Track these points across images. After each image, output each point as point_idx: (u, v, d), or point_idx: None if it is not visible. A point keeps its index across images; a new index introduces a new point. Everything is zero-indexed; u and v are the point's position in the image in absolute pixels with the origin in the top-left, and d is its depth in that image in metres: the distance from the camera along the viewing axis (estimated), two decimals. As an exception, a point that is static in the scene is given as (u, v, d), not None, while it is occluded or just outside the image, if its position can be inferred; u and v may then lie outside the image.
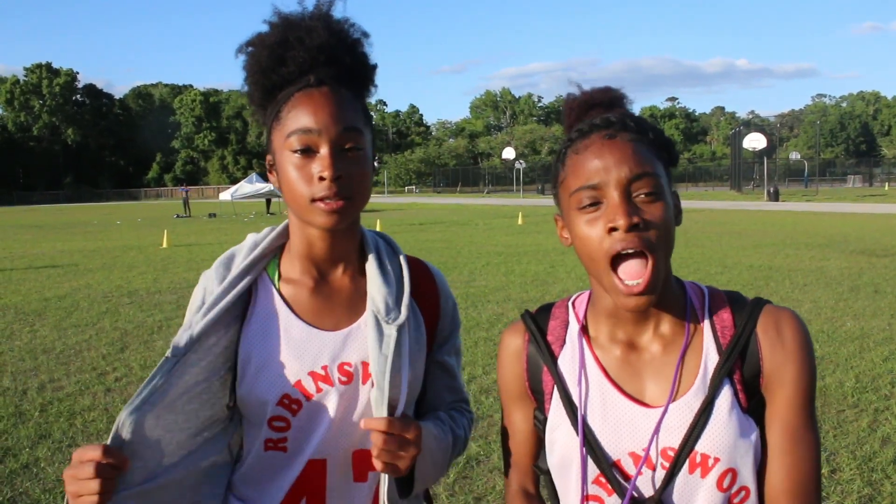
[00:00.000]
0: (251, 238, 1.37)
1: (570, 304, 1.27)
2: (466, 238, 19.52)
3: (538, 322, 1.26)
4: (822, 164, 77.63)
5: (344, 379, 1.27)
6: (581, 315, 1.24)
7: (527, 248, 15.73)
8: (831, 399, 5.17)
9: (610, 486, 1.13)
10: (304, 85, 1.22)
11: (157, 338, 7.62)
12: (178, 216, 37.40)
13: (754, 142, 45.12)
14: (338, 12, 1.27)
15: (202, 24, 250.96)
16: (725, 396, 1.10)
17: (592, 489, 1.15)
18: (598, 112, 1.19)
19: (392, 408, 1.22)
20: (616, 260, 1.06)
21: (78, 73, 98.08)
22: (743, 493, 1.11)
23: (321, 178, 1.18)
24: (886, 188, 56.60)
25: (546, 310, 1.29)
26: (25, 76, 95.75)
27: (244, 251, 1.34)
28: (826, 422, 4.73)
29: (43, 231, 27.78)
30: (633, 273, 1.06)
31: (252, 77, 1.27)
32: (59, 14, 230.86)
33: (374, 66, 1.31)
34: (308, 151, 1.19)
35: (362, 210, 1.28)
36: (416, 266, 1.42)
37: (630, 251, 1.05)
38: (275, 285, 1.32)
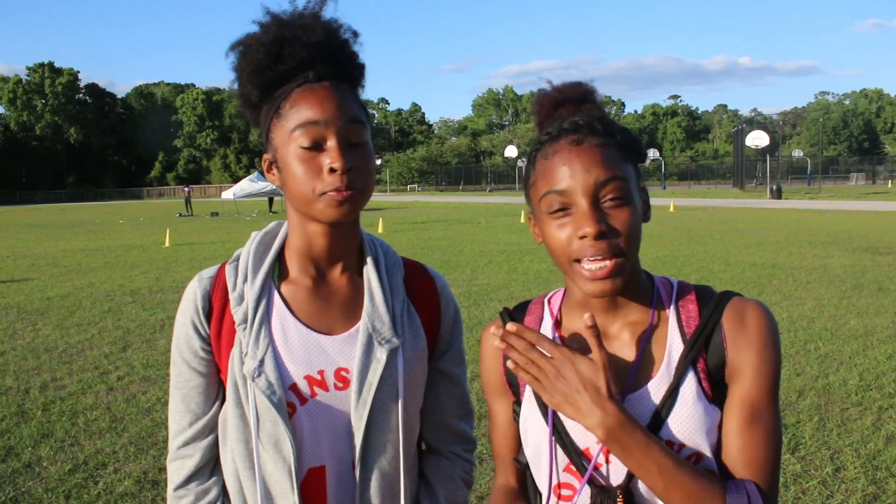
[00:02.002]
0: (258, 240, 1.35)
1: (545, 300, 1.32)
2: (469, 236, 19.51)
3: (514, 318, 1.31)
4: (825, 161, 77.50)
5: (340, 385, 1.26)
6: (555, 310, 1.28)
7: (529, 247, 15.70)
8: (835, 397, 5.16)
9: (580, 474, 1.17)
10: (304, 81, 1.21)
11: (160, 336, 7.62)
12: (180, 215, 37.46)
13: (757, 139, 45.03)
14: (328, 13, 1.27)
15: (204, 24, 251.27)
16: (690, 384, 1.13)
17: (564, 477, 1.19)
18: (568, 109, 1.22)
19: (368, 430, 1.25)
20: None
21: (80, 72, 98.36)
22: None
23: (332, 171, 1.17)
24: (889, 186, 56.50)
25: (522, 307, 1.33)
26: (28, 76, 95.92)
27: (259, 254, 1.33)
28: (830, 420, 4.71)
29: (45, 230, 27.82)
30: (597, 262, 1.10)
31: (247, 76, 1.24)
32: (60, 14, 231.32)
33: (364, 65, 1.31)
34: (315, 145, 1.18)
35: (364, 207, 1.27)
36: (415, 270, 1.40)
37: (597, 257, 1.09)
38: (275, 284, 1.30)
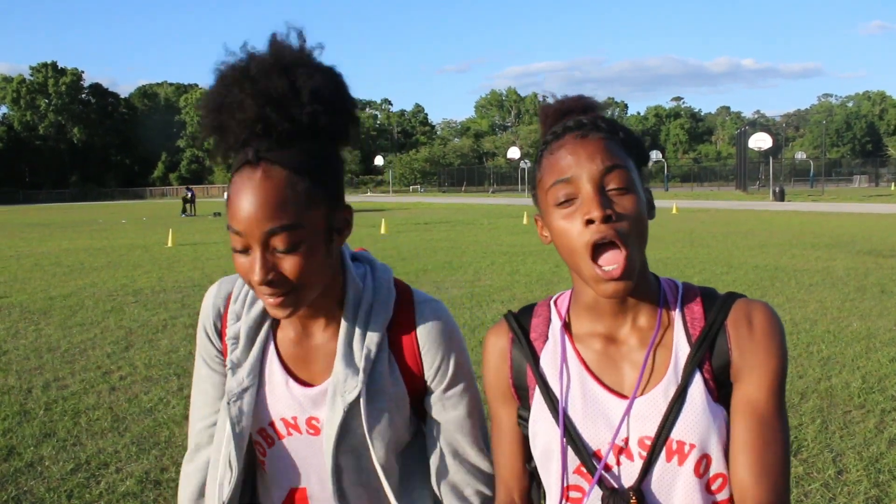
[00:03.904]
0: None
1: (552, 302, 1.32)
2: (471, 237, 19.50)
3: (521, 321, 1.31)
4: (828, 163, 77.38)
5: (311, 431, 1.30)
6: (563, 312, 1.28)
7: (532, 248, 15.70)
8: (838, 400, 5.15)
9: (591, 476, 1.17)
10: (244, 162, 1.12)
11: (162, 336, 7.63)
12: (184, 213, 37.49)
13: (760, 141, 45.03)
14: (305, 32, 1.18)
15: (207, 23, 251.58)
16: (697, 386, 1.14)
17: (574, 479, 1.19)
18: (572, 118, 1.24)
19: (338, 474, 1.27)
20: (594, 250, 1.11)
21: (83, 72, 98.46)
22: (720, 480, 1.14)
23: (253, 277, 1.13)
24: (893, 188, 56.40)
25: (528, 309, 1.33)
26: (31, 75, 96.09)
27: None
28: (832, 422, 4.70)
29: (48, 230, 27.86)
30: (610, 260, 1.10)
31: (206, 137, 1.19)
32: (64, 13, 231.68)
33: (341, 114, 1.18)
34: (244, 251, 1.13)
35: (319, 291, 1.21)
36: (404, 310, 1.33)
37: (605, 241, 1.09)
38: (271, 327, 1.34)
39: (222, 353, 1.34)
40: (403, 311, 1.32)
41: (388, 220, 25.55)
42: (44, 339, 7.64)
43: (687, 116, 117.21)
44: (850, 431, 4.55)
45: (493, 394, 1.32)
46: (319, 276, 1.17)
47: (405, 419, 1.32)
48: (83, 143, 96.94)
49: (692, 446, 1.12)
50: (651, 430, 1.14)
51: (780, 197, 38.87)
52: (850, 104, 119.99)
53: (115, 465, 4.26)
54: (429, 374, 1.31)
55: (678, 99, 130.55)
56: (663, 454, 1.13)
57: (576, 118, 1.18)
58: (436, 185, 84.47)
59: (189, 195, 40.72)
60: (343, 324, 1.28)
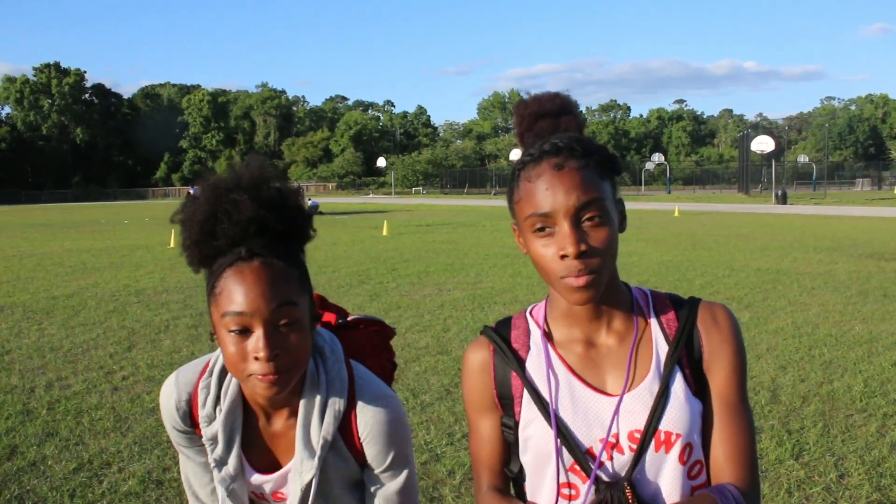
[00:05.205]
0: (219, 370, 1.46)
1: (527, 313, 1.40)
2: (473, 239, 19.51)
3: (500, 334, 1.38)
4: (831, 167, 77.30)
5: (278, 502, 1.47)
6: (541, 322, 1.36)
7: (533, 250, 15.68)
8: (839, 403, 5.14)
9: (584, 473, 1.26)
10: (236, 258, 1.27)
11: (164, 337, 7.64)
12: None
13: (762, 144, 44.98)
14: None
15: (210, 24, 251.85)
16: (678, 381, 1.25)
17: (568, 477, 1.28)
18: (546, 122, 1.31)
19: None
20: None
21: (86, 72, 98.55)
22: (698, 466, 1.26)
23: (256, 358, 1.23)
24: (895, 191, 56.30)
25: (506, 322, 1.41)
26: (34, 76, 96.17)
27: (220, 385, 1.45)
28: (834, 426, 4.70)
29: (51, 230, 27.90)
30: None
31: (186, 248, 1.31)
32: (66, 14, 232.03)
33: (309, 218, 1.36)
34: (243, 331, 1.24)
35: (301, 372, 1.34)
36: (349, 399, 1.43)
37: (579, 286, 1.19)
38: (239, 421, 1.43)
39: (197, 434, 1.45)
40: (349, 404, 1.41)
41: (389, 221, 25.57)
42: (46, 339, 7.66)
43: (689, 119, 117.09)
44: (851, 435, 4.55)
45: (474, 406, 1.38)
46: (307, 359, 1.32)
47: (356, 491, 1.47)
48: (86, 144, 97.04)
49: (678, 436, 1.22)
50: (640, 423, 1.23)
51: (783, 200, 38.84)
52: (852, 107, 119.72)
53: (117, 465, 4.27)
54: (368, 459, 1.43)
55: (680, 101, 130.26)
56: (652, 445, 1.23)
57: (552, 141, 1.22)
58: (438, 186, 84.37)
59: (191, 192, 40.83)
60: (301, 413, 1.39)
